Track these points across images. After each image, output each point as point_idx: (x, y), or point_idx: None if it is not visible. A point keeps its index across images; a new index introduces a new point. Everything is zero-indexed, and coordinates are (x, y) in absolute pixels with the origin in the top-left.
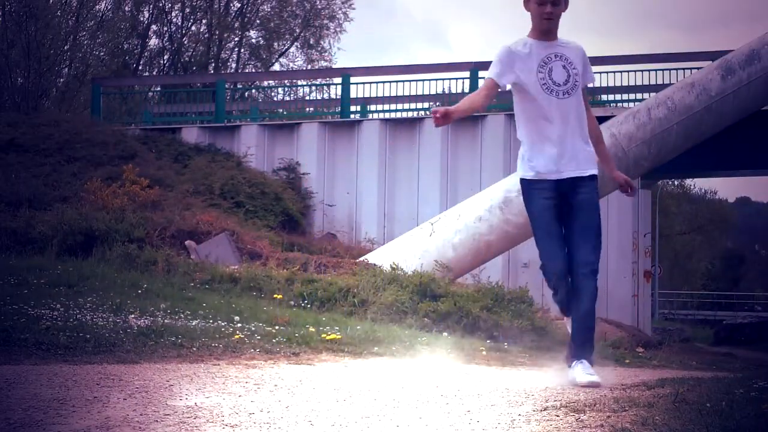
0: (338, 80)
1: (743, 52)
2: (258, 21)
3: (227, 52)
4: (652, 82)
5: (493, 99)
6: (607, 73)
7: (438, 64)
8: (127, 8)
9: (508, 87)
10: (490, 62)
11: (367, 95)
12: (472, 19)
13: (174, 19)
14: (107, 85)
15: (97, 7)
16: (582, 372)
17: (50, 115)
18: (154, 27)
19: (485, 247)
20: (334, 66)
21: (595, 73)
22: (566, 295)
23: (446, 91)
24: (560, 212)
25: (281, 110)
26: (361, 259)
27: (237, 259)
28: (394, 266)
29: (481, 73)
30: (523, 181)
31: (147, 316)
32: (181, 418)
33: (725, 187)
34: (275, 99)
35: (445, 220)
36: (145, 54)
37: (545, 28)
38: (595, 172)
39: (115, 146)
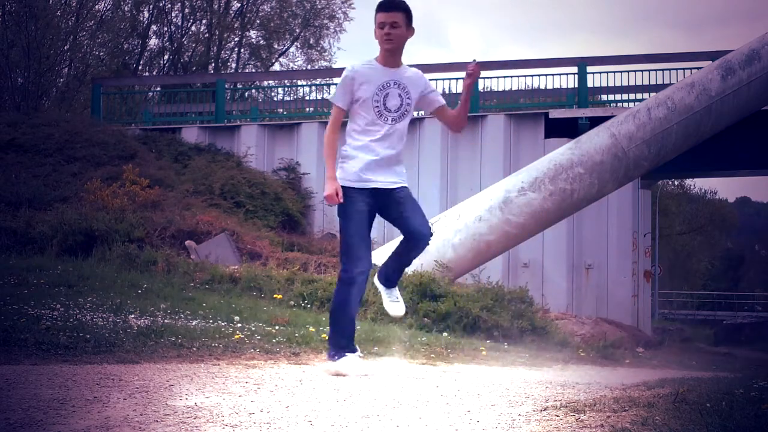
0: (338, 80)
1: (743, 52)
2: (258, 21)
3: (227, 52)
4: (652, 82)
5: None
6: (607, 73)
7: (438, 64)
8: (127, 8)
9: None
10: (490, 62)
11: None
12: (472, 19)
13: (174, 19)
14: (107, 85)
15: (97, 7)
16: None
17: (50, 115)
18: (154, 27)
19: (485, 247)
20: (334, 66)
21: (595, 73)
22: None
23: (446, 91)
24: (370, 217)
25: (281, 110)
26: None
27: (237, 259)
28: None
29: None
30: (345, 188)
31: (147, 316)
32: (181, 418)
33: (725, 187)
34: (275, 99)
35: (445, 220)
36: (145, 54)
37: (387, 49)
38: (405, 183)
39: (115, 146)
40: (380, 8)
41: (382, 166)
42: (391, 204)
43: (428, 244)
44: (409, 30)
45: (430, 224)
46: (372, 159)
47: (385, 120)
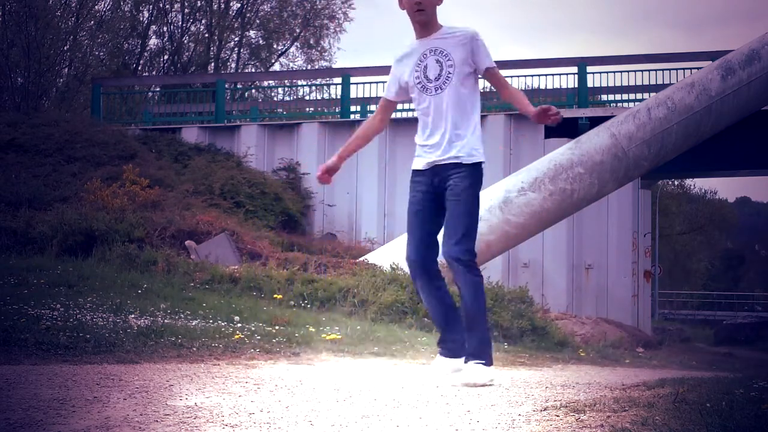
0: (338, 80)
1: (743, 52)
2: (258, 21)
3: (227, 52)
4: (652, 82)
5: (390, 115)
6: (607, 73)
7: None
8: (127, 8)
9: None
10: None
11: (367, 95)
12: (472, 19)
13: (174, 19)
14: (107, 85)
15: (97, 7)
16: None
17: (50, 115)
18: (154, 27)
19: (485, 247)
20: (334, 66)
21: (595, 73)
22: (421, 291)
23: None
24: (435, 204)
25: (281, 110)
26: (361, 259)
27: (237, 259)
28: (394, 266)
29: None
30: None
31: (147, 316)
32: (181, 418)
33: (725, 187)
34: (275, 99)
35: None
36: (145, 54)
37: (419, 21)
38: (472, 161)
39: (115, 146)
40: None
41: (440, 145)
42: (447, 188)
43: (471, 276)
44: None
45: (463, 245)
46: (429, 141)
47: (430, 92)
